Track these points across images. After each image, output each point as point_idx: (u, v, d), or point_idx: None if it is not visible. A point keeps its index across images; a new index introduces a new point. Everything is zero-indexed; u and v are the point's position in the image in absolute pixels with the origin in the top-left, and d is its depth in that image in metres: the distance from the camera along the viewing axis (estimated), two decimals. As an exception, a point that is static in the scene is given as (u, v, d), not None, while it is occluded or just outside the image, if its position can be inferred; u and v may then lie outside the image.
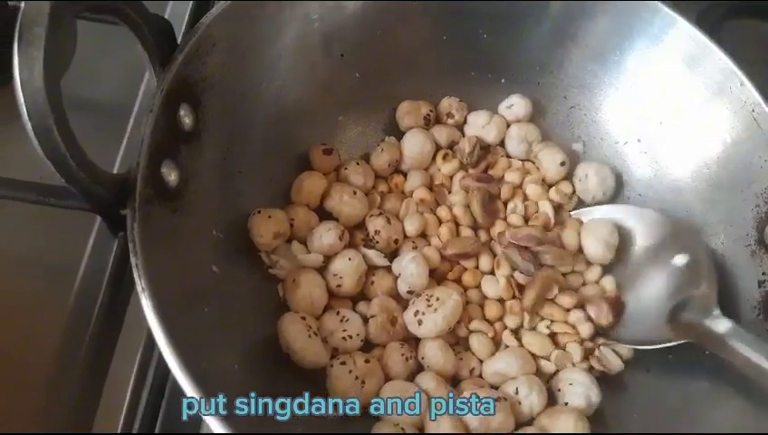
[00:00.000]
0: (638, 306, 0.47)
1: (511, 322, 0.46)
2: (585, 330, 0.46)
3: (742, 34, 0.68)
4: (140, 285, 0.35)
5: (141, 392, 0.45)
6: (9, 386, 0.45)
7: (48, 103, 0.32)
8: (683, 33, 0.48)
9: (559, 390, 0.44)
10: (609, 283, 0.49)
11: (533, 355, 0.45)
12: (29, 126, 0.31)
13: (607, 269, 0.49)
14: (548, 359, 0.46)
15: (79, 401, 0.45)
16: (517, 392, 0.43)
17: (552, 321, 0.47)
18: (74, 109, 0.59)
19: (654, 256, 0.48)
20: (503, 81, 0.55)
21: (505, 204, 0.51)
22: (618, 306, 0.47)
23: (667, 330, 0.44)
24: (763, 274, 0.43)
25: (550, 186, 0.53)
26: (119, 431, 0.43)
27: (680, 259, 0.46)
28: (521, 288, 0.47)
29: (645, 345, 0.45)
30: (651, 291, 0.47)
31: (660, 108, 0.50)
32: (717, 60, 0.46)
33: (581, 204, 0.53)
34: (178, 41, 0.42)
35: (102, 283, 0.49)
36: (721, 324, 0.41)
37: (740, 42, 0.68)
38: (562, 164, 0.52)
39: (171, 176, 0.40)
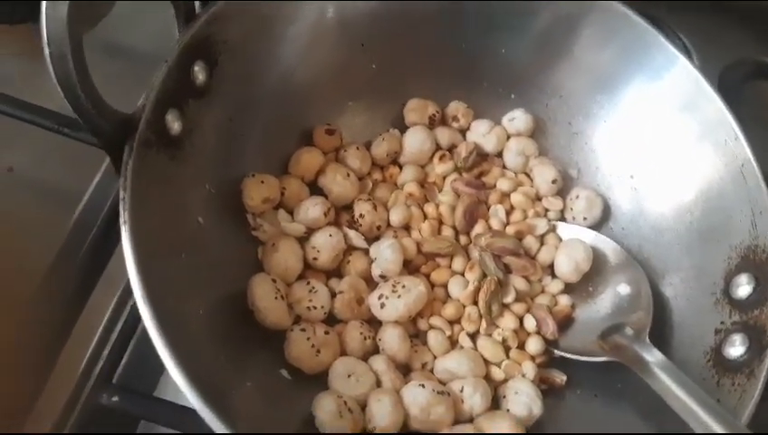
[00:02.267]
0: (577, 319, 0.50)
1: (468, 326, 0.48)
2: (535, 346, 0.48)
3: (763, 95, 0.68)
4: (123, 217, 0.37)
5: (111, 334, 0.48)
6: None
7: (68, 33, 0.34)
8: (684, 74, 0.48)
9: (504, 397, 0.46)
10: (564, 300, 0.50)
11: (485, 360, 0.47)
12: (47, 51, 0.34)
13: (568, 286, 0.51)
14: (499, 366, 0.47)
15: (54, 326, 0.48)
16: (462, 391, 0.44)
17: (504, 331, 0.48)
18: (111, 52, 0.63)
19: (603, 281, 0.50)
20: (512, 96, 0.56)
21: (489, 208, 0.53)
22: (566, 323, 0.49)
23: (596, 346, 0.47)
24: (721, 323, 0.44)
25: (540, 200, 0.54)
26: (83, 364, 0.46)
27: (624, 288, 0.49)
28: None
29: (575, 355, 0.47)
30: (592, 309, 0.50)
31: (654, 147, 0.51)
32: (716, 108, 0.47)
33: (563, 221, 0.54)
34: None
35: (99, 217, 0.53)
36: (649, 352, 0.43)
37: (760, 102, 0.68)
38: (554, 182, 0.53)
39: (175, 124, 0.42)
